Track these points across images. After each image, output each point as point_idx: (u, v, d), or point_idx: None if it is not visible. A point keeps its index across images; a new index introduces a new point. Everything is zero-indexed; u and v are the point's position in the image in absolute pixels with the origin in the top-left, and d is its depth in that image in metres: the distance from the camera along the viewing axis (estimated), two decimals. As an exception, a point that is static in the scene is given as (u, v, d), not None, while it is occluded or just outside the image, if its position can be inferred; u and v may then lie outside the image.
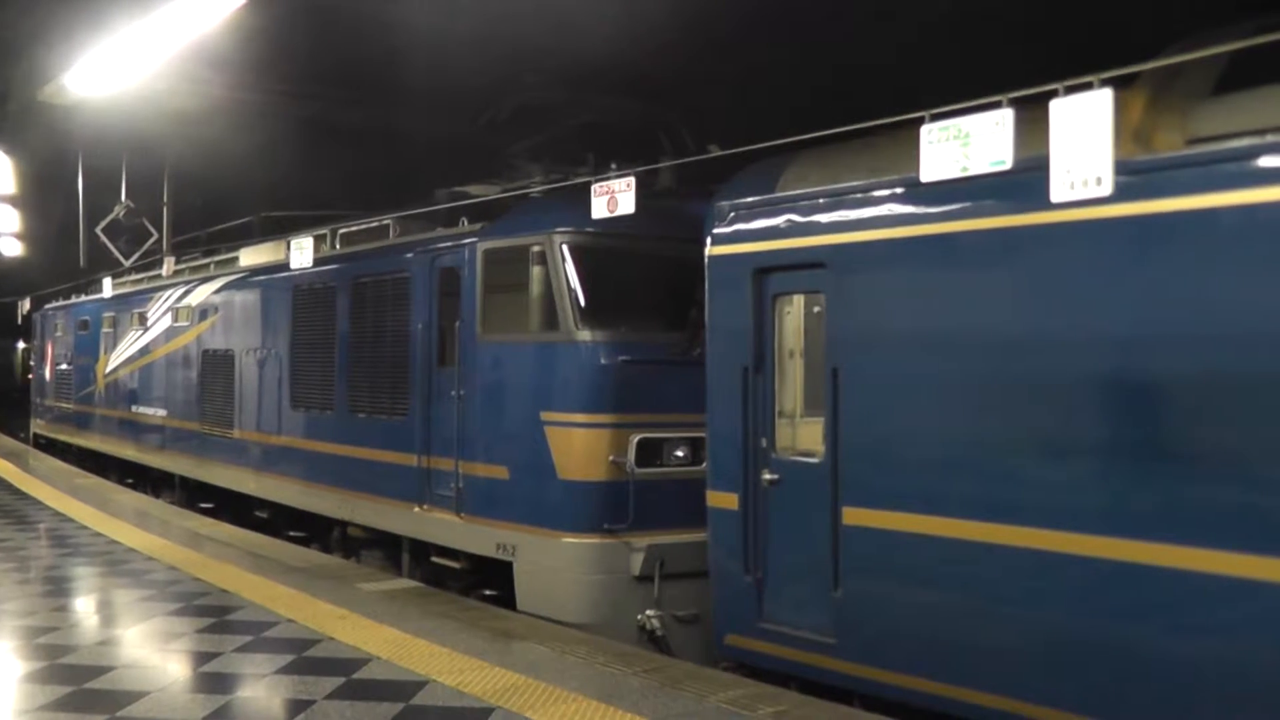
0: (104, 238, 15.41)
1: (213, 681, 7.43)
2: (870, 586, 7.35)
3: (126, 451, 20.92)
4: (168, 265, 16.92)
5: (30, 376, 32.33)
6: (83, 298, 24.77)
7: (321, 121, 13.16)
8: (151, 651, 8.22)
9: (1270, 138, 5.57)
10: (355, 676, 7.49)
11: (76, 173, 15.73)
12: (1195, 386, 5.83)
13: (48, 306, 28.11)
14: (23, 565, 11.54)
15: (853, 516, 7.42)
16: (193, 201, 16.63)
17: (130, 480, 20.80)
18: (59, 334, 26.47)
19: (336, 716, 6.67)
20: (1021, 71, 5.68)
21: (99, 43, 9.45)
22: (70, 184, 15.88)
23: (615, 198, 8.00)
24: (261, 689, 7.29)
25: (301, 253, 12.32)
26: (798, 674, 7.84)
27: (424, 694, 7.07)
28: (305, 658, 7.99)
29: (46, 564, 11.71)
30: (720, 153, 8.36)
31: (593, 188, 8.28)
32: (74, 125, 13.27)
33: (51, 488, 18.71)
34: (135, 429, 20.38)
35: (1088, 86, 5.14)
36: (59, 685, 7.24)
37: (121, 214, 15.18)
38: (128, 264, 16.09)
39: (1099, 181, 5.05)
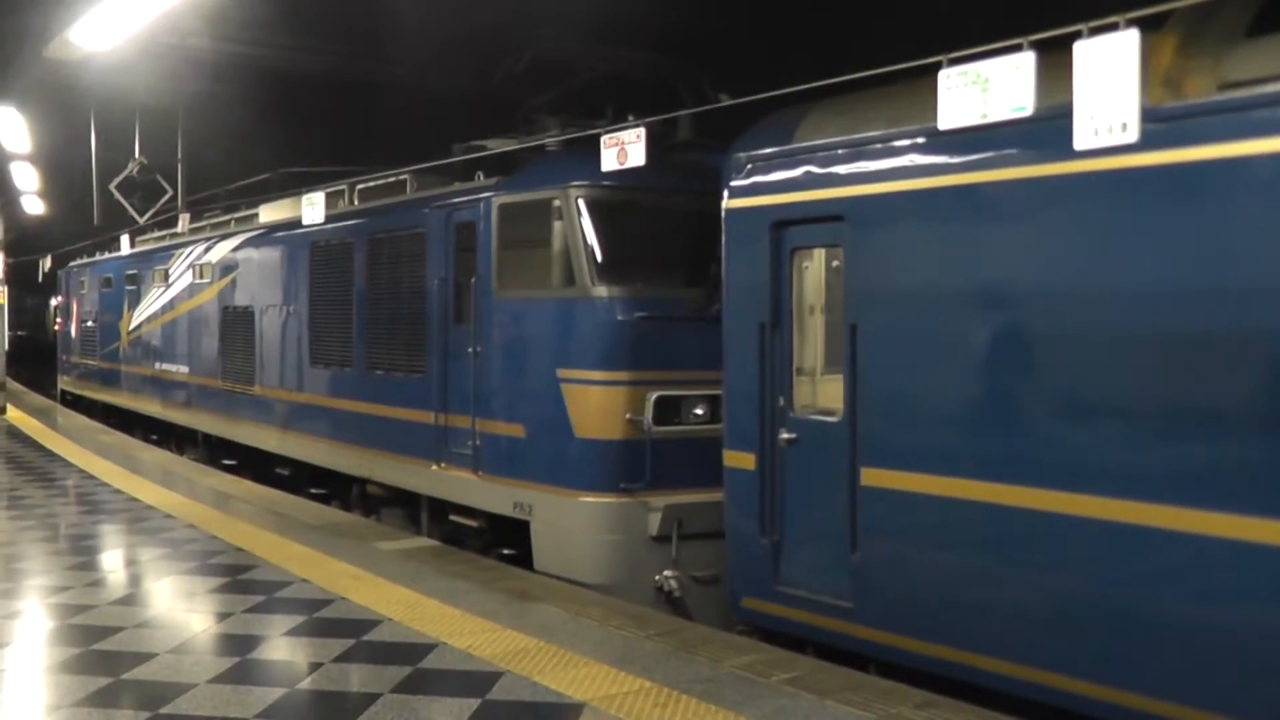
0: (118, 195, 15.27)
1: (222, 643, 7.35)
2: (889, 549, 7.17)
3: (151, 408, 20.94)
4: (183, 222, 16.79)
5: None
6: (106, 255, 24.77)
7: (335, 77, 12.95)
8: (163, 611, 8.14)
9: (1308, 82, 5.31)
10: (365, 639, 7.38)
11: (89, 129, 15.59)
12: (1229, 343, 5.59)
13: (72, 264, 28.15)
14: (42, 523, 11.52)
15: (871, 477, 7.24)
16: (209, 158, 16.47)
17: (155, 437, 20.84)
18: (84, 291, 26.49)
19: (343, 680, 6.57)
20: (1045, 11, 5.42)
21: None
22: (86, 141, 15.74)
23: (625, 149, 7.77)
24: (270, 651, 7.19)
25: (313, 208, 12.14)
26: (814, 638, 7.70)
27: (433, 657, 6.96)
28: (317, 618, 7.90)
29: (66, 522, 11.68)
30: (731, 101, 8.11)
31: (602, 139, 8.06)
32: (84, 81, 13.12)
33: (77, 445, 18.75)
34: (159, 386, 20.39)
35: (1114, 28, 4.88)
36: (67, 646, 7.18)
37: (135, 170, 15.03)
38: (142, 221, 15.97)
39: (1124, 128, 4.80)
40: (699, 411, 9.57)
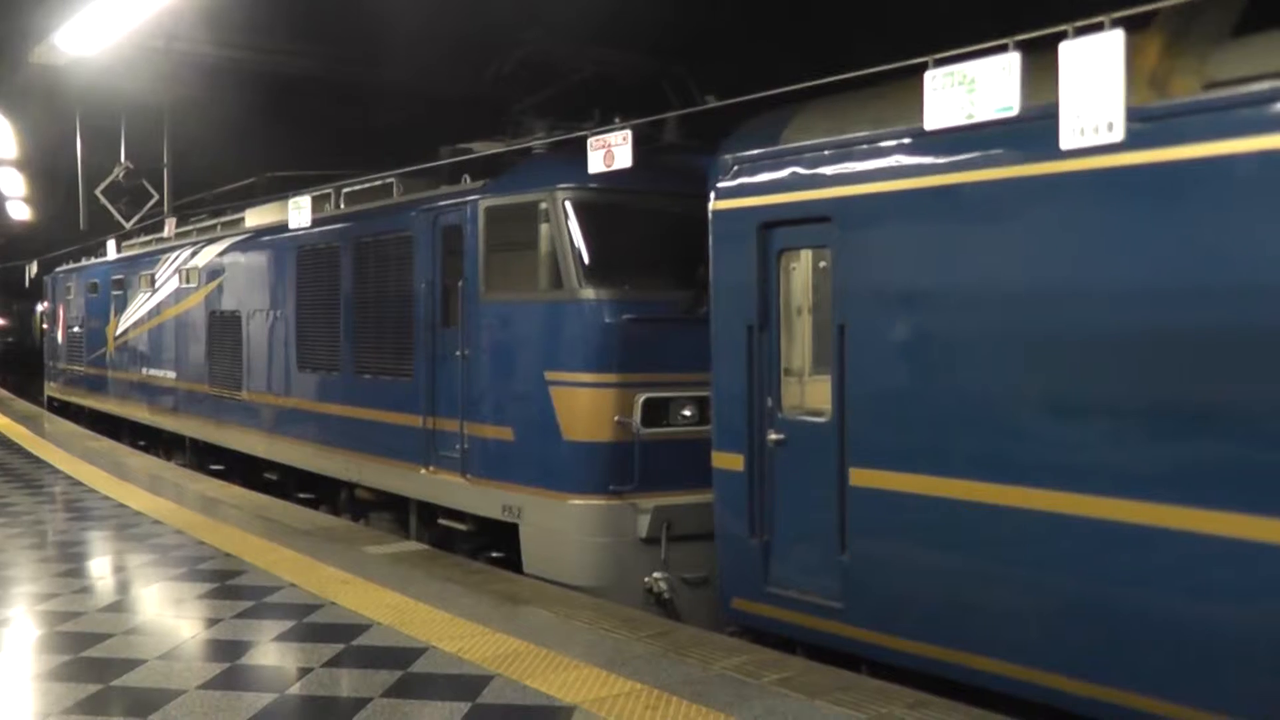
0: (104, 200, 15.21)
1: (211, 649, 7.32)
2: (878, 549, 7.18)
3: (138, 414, 20.88)
4: (169, 226, 16.75)
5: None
6: (93, 260, 24.68)
7: (322, 80, 12.93)
8: (152, 618, 8.12)
9: (1292, 80, 5.33)
10: (355, 643, 7.37)
11: (75, 134, 15.55)
12: (1214, 342, 5.61)
13: (58, 269, 28.06)
14: (30, 530, 11.47)
15: (860, 478, 7.24)
16: (195, 162, 16.43)
17: (143, 443, 20.77)
18: (70, 296, 26.40)
19: (333, 685, 6.55)
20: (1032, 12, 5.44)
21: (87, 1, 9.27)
22: (72, 146, 15.69)
23: (611, 151, 7.77)
24: (259, 656, 7.17)
25: (299, 212, 12.12)
26: (804, 639, 7.70)
27: (423, 661, 6.95)
28: (306, 623, 7.88)
29: (54, 529, 11.64)
30: (718, 104, 8.12)
31: (589, 142, 8.06)
32: (70, 86, 13.08)
33: (64, 452, 18.67)
34: (146, 391, 20.33)
35: (1099, 28, 4.89)
36: (56, 654, 7.15)
37: (121, 175, 14.97)
38: (128, 226, 15.92)
39: (1110, 127, 4.82)
40: (687, 413, 9.57)
